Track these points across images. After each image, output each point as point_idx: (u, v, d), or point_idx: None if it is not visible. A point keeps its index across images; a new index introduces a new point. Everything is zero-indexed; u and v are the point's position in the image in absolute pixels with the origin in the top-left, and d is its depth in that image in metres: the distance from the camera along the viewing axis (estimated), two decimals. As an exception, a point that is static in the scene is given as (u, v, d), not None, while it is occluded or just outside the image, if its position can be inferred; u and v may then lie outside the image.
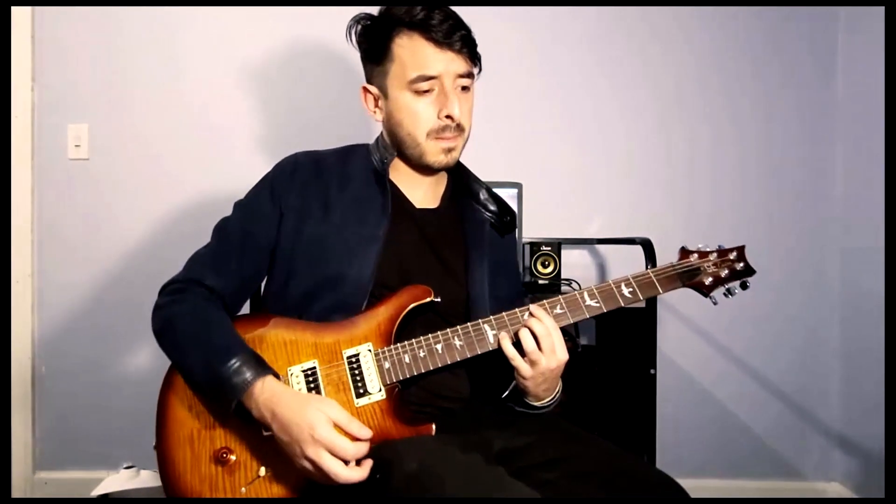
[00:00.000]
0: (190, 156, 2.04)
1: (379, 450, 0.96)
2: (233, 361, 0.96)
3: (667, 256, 1.73)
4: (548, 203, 2.03)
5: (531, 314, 1.03)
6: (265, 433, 0.95)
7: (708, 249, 1.13)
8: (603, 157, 2.10)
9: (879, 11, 1.86)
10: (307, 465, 0.91)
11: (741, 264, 1.11)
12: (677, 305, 2.09)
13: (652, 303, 1.67)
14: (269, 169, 1.20)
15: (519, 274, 1.41)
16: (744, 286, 1.12)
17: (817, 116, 2.10)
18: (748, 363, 2.11)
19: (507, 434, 1.08)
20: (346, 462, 0.90)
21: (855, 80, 2.05)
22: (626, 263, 2.06)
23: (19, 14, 1.98)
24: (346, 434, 0.92)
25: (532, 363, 1.01)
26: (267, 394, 0.94)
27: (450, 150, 1.13)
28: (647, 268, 1.65)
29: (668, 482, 0.99)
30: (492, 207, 1.24)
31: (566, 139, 2.09)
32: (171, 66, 2.04)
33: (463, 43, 1.08)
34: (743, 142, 2.10)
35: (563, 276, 1.87)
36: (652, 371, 1.66)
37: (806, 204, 2.11)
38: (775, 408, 2.12)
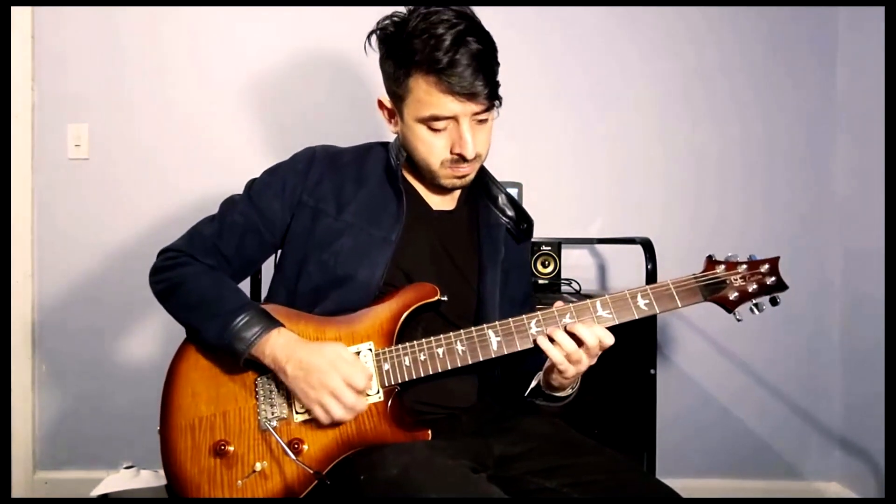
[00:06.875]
0: (190, 156, 2.04)
1: (367, 452, 0.97)
2: (246, 314, 1.02)
3: (667, 256, 1.75)
4: (548, 203, 2.03)
5: (573, 319, 0.99)
6: (282, 377, 1.00)
7: (738, 260, 1.03)
8: (603, 156, 2.09)
9: (879, 11, 1.86)
10: (322, 394, 0.97)
11: (773, 278, 1.02)
12: (677, 305, 2.09)
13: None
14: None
15: (530, 274, 1.41)
16: (774, 302, 1.02)
17: (817, 116, 2.10)
18: (748, 363, 2.11)
19: (508, 439, 1.07)
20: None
21: (855, 80, 2.04)
22: (627, 263, 2.07)
23: (19, 14, 1.97)
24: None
25: (574, 363, 0.99)
26: (284, 338, 1.01)
27: (464, 176, 1.12)
28: (647, 268, 1.67)
29: (669, 493, 0.97)
30: (509, 213, 1.22)
31: (567, 139, 2.09)
32: (171, 67, 2.03)
33: (484, 88, 1.02)
34: (743, 141, 2.10)
35: (563, 276, 1.88)
36: (652, 371, 1.66)
37: (806, 203, 2.11)
38: (775, 407, 2.12)
